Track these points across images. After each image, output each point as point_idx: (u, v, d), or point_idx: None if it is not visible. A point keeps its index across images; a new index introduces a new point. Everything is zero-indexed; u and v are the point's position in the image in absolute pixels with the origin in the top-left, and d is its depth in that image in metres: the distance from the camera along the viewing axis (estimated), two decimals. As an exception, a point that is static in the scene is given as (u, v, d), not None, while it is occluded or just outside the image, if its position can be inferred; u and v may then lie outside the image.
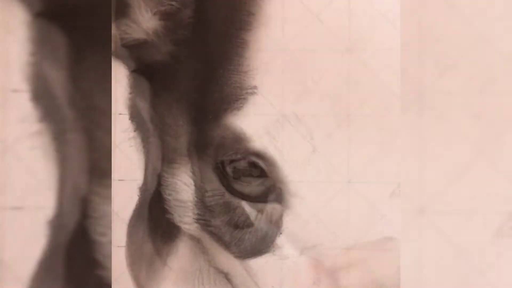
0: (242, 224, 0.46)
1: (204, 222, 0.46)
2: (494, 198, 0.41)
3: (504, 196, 0.42)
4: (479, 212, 0.42)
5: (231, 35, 0.45)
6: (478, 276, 0.42)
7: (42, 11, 0.44)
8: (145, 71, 0.47)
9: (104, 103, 0.47)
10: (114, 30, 0.47)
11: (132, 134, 0.47)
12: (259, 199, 0.45)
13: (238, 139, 0.45)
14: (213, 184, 0.46)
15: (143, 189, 0.47)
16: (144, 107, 0.47)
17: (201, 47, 0.46)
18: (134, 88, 0.47)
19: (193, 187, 0.46)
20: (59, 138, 0.45)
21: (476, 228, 0.42)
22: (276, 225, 0.45)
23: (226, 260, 0.46)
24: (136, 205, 0.47)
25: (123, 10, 0.46)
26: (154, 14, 0.46)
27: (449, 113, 0.42)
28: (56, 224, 0.44)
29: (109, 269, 0.47)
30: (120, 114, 0.46)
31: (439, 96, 0.43)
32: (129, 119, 0.47)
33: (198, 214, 0.46)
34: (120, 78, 0.47)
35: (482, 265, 0.42)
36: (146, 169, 0.47)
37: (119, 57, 0.47)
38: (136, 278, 0.47)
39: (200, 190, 0.46)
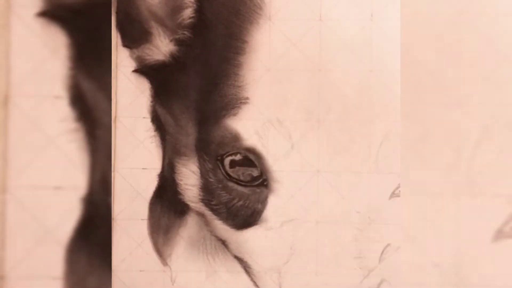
0: (237, 204, 0.50)
1: (206, 201, 0.50)
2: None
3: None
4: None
5: (229, 58, 0.50)
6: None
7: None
8: (168, 89, 0.51)
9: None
10: (139, 52, 0.50)
11: (153, 133, 0.51)
12: (250, 184, 0.50)
13: (234, 138, 0.50)
14: (214, 172, 0.50)
15: (161, 176, 0.51)
16: (162, 112, 0.50)
17: (206, 67, 0.50)
18: (155, 97, 0.50)
19: (199, 175, 0.50)
20: (90, 134, 0.46)
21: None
22: (262, 204, 0.50)
23: (224, 230, 0.51)
24: (156, 187, 0.51)
25: (147, 37, 0.50)
26: (171, 40, 0.50)
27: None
28: (87, 200, 0.45)
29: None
30: (144, 117, 0.50)
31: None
32: (151, 121, 0.51)
33: (202, 195, 0.51)
34: (144, 89, 0.50)
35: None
36: (163, 160, 0.51)
37: (143, 73, 0.50)
38: (155, 244, 0.50)
39: (204, 177, 0.50)
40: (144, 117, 0.51)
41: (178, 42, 0.51)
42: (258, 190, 0.50)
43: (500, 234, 0.37)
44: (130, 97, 0.51)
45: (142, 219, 0.51)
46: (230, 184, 0.50)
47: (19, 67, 0.41)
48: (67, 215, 0.41)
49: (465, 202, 0.37)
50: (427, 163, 0.35)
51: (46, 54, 0.41)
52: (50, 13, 0.42)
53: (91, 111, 0.43)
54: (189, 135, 0.51)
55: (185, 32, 0.51)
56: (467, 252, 0.38)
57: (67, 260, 0.42)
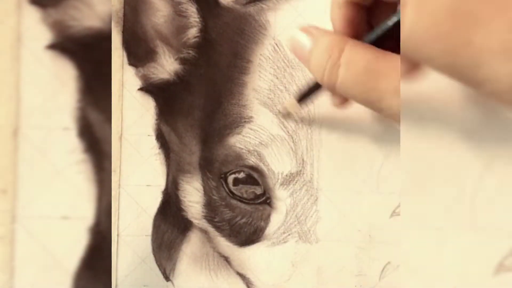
0: (240, 221, 0.50)
1: (210, 218, 0.51)
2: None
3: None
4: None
5: (233, 77, 0.50)
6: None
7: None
8: (173, 108, 0.50)
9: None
10: (144, 71, 0.51)
11: (157, 151, 0.51)
12: (253, 201, 0.50)
13: (237, 156, 0.50)
14: (218, 190, 0.50)
15: (165, 193, 0.51)
16: (166, 130, 0.51)
17: (210, 86, 0.51)
18: (160, 116, 0.51)
19: (202, 192, 0.51)
20: (97, 165, 0.46)
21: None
22: (265, 221, 0.50)
23: (227, 247, 0.51)
24: (160, 204, 0.51)
25: (152, 56, 0.51)
26: (176, 59, 0.51)
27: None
28: (94, 230, 0.45)
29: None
30: (148, 135, 0.51)
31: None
32: (155, 139, 0.51)
33: (205, 212, 0.51)
34: (149, 107, 0.51)
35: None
36: (167, 177, 0.51)
37: (149, 92, 0.51)
38: (158, 260, 0.51)
39: (207, 194, 0.51)
40: (149, 135, 0.51)
41: (183, 61, 0.51)
42: (261, 208, 0.51)
43: (501, 268, 0.37)
44: (135, 115, 0.51)
45: (146, 235, 0.51)
46: (233, 201, 0.51)
47: (29, 99, 0.42)
48: (75, 244, 0.41)
49: (466, 236, 0.36)
50: (429, 197, 0.36)
51: (55, 86, 0.41)
52: (60, 46, 0.42)
53: (99, 143, 0.43)
54: (193, 153, 0.51)
55: (190, 51, 0.51)
56: (468, 285, 0.37)
57: (74, 288, 0.42)
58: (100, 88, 0.43)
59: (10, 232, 0.40)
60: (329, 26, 0.49)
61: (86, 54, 0.42)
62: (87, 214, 0.42)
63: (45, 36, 0.41)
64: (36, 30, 0.41)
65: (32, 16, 0.42)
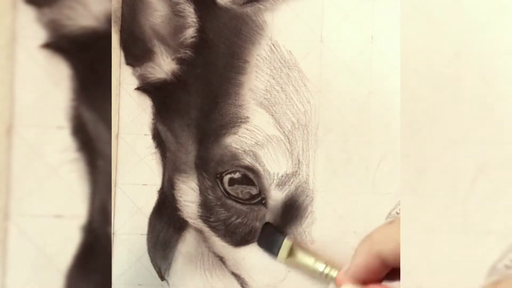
0: (235, 221, 0.50)
1: (205, 218, 0.51)
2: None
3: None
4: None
5: (230, 77, 0.51)
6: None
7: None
8: (170, 107, 0.51)
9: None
10: (141, 71, 0.51)
11: (153, 150, 0.51)
12: (248, 202, 0.50)
13: (233, 156, 0.50)
14: (214, 190, 0.51)
15: (161, 192, 0.51)
16: (163, 130, 0.51)
17: (207, 85, 0.51)
18: (156, 115, 0.51)
19: (198, 192, 0.51)
20: (90, 164, 0.44)
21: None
22: (260, 221, 0.50)
23: (222, 247, 0.51)
24: (155, 203, 0.51)
25: (149, 56, 0.51)
26: (173, 59, 0.51)
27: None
28: (87, 229, 0.44)
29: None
30: (145, 134, 0.51)
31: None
32: (152, 138, 0.51)
33: (201, 212, 0.51)
34: (146, 107, 0.51)
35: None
36: (163, 177, 0.51)
37: (146, 91, 0.51)
38: (153, 259, 0.51)
39: (203, 194, 0.51)
40: (145, 134, 0.52)
41: (180, 61, 0.52)
42: (256, 208, 0.51)
43: (494, 271, 0.36)
44: (132, 114, 0.52)
45: (141, 234, 0.51)
46: (229, 201, 0.51)
47: (23, 97, 0.42)
48: (67, 243, 0.41)
49: (459, 239, 0.36)
50: (423, 199, 0.36)
51: (49, 85, 0.41)
52: (54, 45, 0.42)
53: (92, 142, 0.42)
54: (189, 152, 0.52)
55: (187, 51, 0.51)
56: (461, 288, 0.36)
57: (67, 287, 0.42)
58: (94, 87, 0.42)
59: (2, 230, 0.41)
60: (326, 26, 0.50)
61: (81, 54, 0.42)
62: (80, 212, 0.42)
63: (40, 35, 0.41)
64: (31, 29, 0.41)
65: (27, 15, 0.42)
